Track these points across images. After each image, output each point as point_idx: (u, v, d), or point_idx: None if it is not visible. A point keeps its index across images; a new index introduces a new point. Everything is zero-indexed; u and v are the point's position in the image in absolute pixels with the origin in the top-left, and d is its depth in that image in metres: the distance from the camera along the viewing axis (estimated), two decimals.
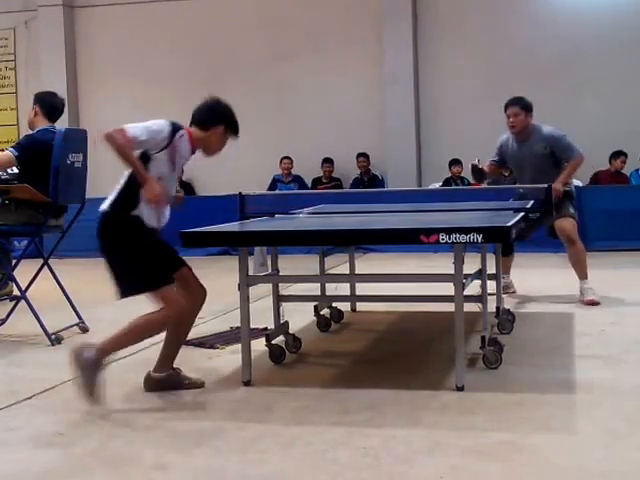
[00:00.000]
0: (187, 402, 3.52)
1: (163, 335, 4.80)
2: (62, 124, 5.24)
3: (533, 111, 5.68)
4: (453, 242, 3.29)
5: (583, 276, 5.63)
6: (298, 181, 10.63)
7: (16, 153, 4.71)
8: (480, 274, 4.13)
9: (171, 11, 11.11)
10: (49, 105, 4.95)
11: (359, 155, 10.39)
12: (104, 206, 3.50)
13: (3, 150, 4.97)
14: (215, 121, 3.60)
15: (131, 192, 3.43)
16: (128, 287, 3.55)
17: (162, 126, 3.46)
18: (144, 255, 3.50)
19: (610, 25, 9.86)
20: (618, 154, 9.50)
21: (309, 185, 10.52)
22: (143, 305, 6.43)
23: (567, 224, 5.52)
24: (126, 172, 3.47)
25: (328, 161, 10.53)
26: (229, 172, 10.60)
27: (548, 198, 4.19)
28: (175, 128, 3.49)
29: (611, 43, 9.86)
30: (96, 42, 11.41)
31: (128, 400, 3.57)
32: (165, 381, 3.63)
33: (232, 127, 3.64)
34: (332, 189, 10.02)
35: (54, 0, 11.20)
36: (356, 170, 10.49)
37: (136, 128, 3.41)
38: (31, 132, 4.94)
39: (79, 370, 3.36)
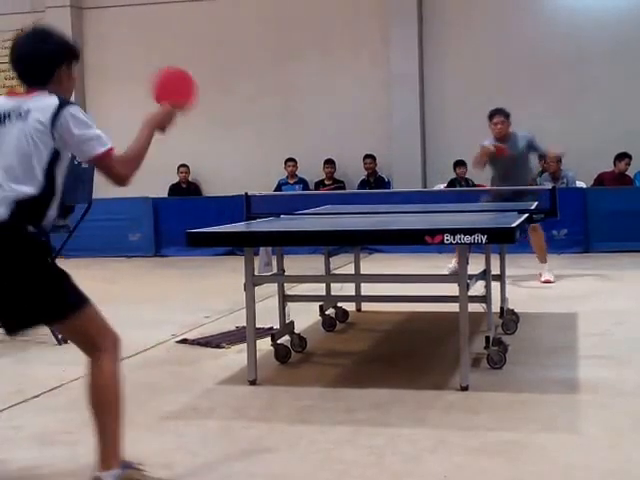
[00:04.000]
0: (193, 401, 3.53)
1: (169, 334, 4.85)
2: None
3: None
4: (457, 243, 3.29)
5: (544, 260, 6.74)
6: (303, 183, 10.64)
7: None
8: (484, 275, 4.14)
9: (178, 13, 11.13)
10: None
11: (366, 157, 10.39)
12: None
13: None
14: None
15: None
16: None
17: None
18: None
19: (613, 26, 9.83)
20: (622, 156, 9.48)
21: (312, 188, 10.50)
22: (147, 305, 6.46)
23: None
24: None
25: (329, 162, 10.54)
26: (235, 172, 10.64)
27: (553, 198, 4.21)
28: None
29: (615, 44, 9.84)
30: (104, 43, 11.43)
31: (133, 399, 3.55)
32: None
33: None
34: (335, 190, 10.01)
35: (62, 1, 11.22)
36: (361, 172, 10.49)
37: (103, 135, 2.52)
38: None
39: None
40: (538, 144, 6.77)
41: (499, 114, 6.68)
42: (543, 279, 6.57)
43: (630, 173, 9.63)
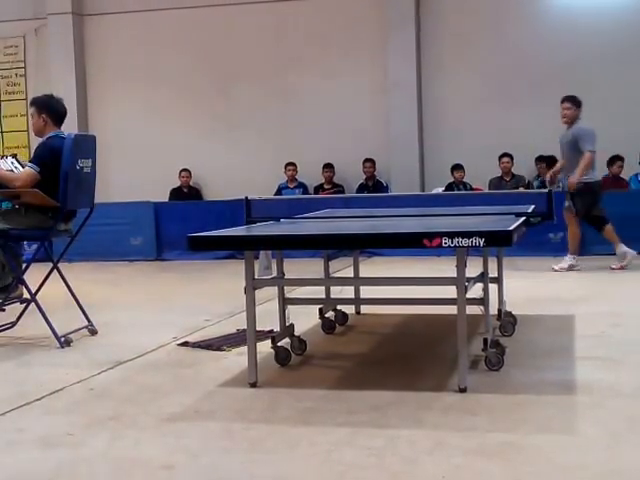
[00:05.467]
0: (194, 403, 3.55)
1: (170, 337, 4.89)
2: (71, 131, 5.29)
3: (581, 106, 7.44)
4: (455, 246, 3.31)
5: (569, 252, 7.45)
6: (302, 187, 10.68)
7: (38, 169, 4.76)
8: (482, 277, 4.16)
9: (178, 19, 11.16)
10: (55, 111, 4.96)
11: (366, 160, 10.43)
12: None
13: (23, 166, 5.01)
14: None
15: None
16: None
17: None
18: None
19: (609, 32, 9.84)
20: (614, 159, 9.51)
21: (312, 192, 10.54)
22: (148, 308, 6.52)
23: (569, 214, 7.45)
24: None
25: (328, 166, 10.57)
26: (235, 177, 10.67)
27: (549, 202, 4.24)
28: None
29: (611, 49, 9.87)
30: (105, 50, 11.48)
31: (136, 401, 3.61)
32: None
33: None
34: (334, 194, 10.05)
35: (64, 8, 11.24)
36: (359, 176, 10.53)
37: None
38: (41, 139, 4.96)
39: None
40: (582, 142, 7.23)
41: (567, 100, 7.42)
42: (558, 266, 7.33)
43: (625, 176, 9.65)
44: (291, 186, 10.63)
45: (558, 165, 7.80)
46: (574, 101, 7.42)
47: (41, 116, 4.92)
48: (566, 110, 7.39)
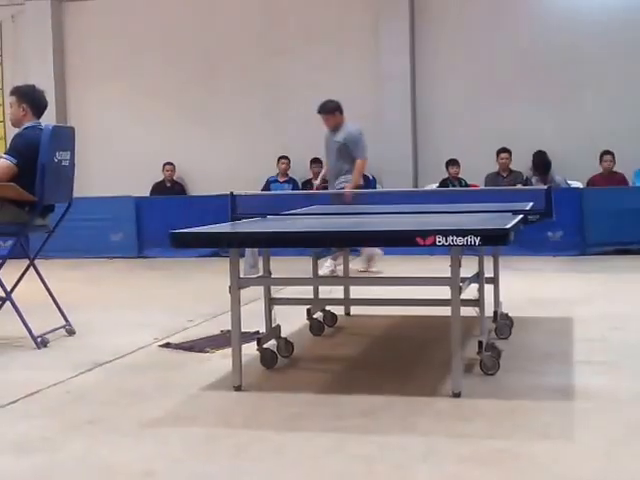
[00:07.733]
0: (176, 407, 3.50)
1: (151, 338, 4.78)
2: (49, 121, 5.17)
3: (340, 109, 7.36)
4: (450, 245, 3.27)
5: (332, 257, 7.10)
6: (292, 182, 10.57)
7: (15, 161, 4.66)
8: (478, 277, 4.11)
9: (162, 5, 11.06)
10: (37, 101, 4.91)
11: None
12: None
13: None
14: None
15: None
16: None
17: None
18: None
19: (608, 23, 9.82)
20: (603, 154, 9.47)
21: (301, 187, 10.45)
22: (128, 308, 6.42)
23: None
24: None
25: (316, 161, 10.44)
26: (220, 171, 10.55)
27: (548, 199, 4.17)
28: None
29: (610, 45, 9.85)
30: (85, 37, 11.34)
31: (114, 405, 3.56)
32: None
33: None
34: (324, 190, 9.94)
35: None
36: None
37: None
38: (19, 130, 4.88)
39: None
40: (355, 147, 7.20)
41: (320, 113, 7.38)
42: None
43: (622, 170, 9.58)
44: (281, 180, 10.51)
45: (324, 170, 7.84)
46: (322, 111, 7.38)
47: (21, 106, 4.88)
48: (325, 122, 7.40)
